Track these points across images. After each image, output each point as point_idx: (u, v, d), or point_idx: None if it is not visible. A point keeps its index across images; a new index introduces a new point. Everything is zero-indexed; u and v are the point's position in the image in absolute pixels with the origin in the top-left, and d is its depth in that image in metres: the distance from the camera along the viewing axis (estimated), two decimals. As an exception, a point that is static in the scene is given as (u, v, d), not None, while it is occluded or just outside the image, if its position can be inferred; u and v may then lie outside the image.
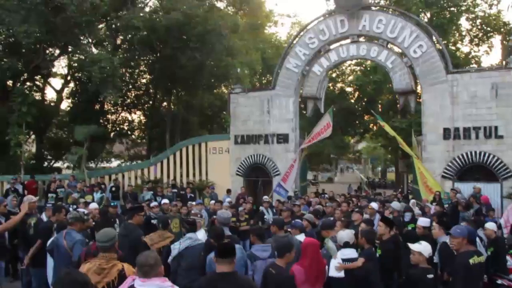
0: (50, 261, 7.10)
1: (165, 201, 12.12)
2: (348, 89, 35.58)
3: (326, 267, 6.20)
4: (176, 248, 6.56)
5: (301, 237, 7.52)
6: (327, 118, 18.90)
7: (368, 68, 30.65)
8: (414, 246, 5.93)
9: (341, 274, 6.16)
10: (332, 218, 9.19)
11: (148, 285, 3.74)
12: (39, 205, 10.94)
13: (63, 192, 17.55)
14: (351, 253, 6.34)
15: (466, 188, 16.09)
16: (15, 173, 21.01)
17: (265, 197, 15.47)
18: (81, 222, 6.65)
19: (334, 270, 6.19)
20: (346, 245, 6.38)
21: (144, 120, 34.15)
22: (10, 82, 24.32)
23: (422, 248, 5.83)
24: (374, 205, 11.59)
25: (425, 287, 5.70)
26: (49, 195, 17.59)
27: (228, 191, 18.29)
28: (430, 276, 5.74)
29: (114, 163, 39.51)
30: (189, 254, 6.52)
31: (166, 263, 6.66)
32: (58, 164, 32.64)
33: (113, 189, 19.00)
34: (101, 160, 35.87)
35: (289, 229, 7.66)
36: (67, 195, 16.82)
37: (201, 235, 7.52)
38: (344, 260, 6.23)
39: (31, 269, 8.06)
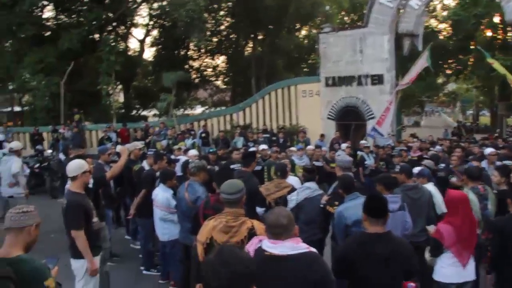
0: (156, 211, 6.73)
1: (264, 147, 11.52)
2: (441, 26, 33.03)
3: None
4: (293, 199, 5.87)
5: (430, 187, 6.67)
6: (425, 56, 17.45)
7: (467, 1, 28.03)
8: None
9: None
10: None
11: (279, 247, 3.04)
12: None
13: (153, 139, 17.39)
14: None
15: None
16: (106, 122, 21.46)
17: (364, 142, 14.58)
18: (204, 172, 6.05)
19: None
20: None
21: (227, 66, 33.65)
22: (96, 36, 24.58)
23: None
24: (490, 150, 10.36)
25: None
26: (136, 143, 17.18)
27: (322, 136, 17.46)
28: None
29: (198, 109, 39.74)
30: (309, 205, 5.84)
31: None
32: (144, 112, 33.30)
33: (203, 135, 18.69)
34: (184, 107, 36.11)
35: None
36: (154, 142, 16.64)
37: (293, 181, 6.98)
38: None
39: (137, 219, 7.77)
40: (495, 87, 33.62)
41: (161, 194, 6.59)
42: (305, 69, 34.10)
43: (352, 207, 5.02)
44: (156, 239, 7.26)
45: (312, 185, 5.96)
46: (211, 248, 3.69)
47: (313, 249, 3.19)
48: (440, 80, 41.40)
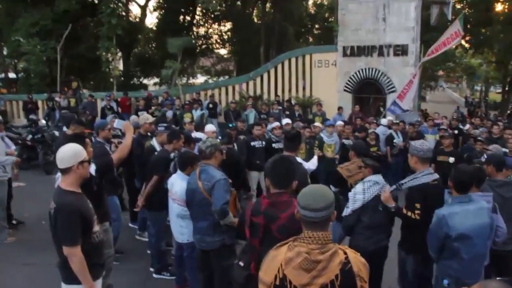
0: (173, 206, 5.26)
1: (287, 121, 10.11)
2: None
3: None
4: (359, 199, 4.47)
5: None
6: (456, 26, 15.98)
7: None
8: None
9: None
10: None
11: None
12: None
13: (159, 111, 15.90)
14: None
15: None
16: (105, 90, 20.14)
17: (391, 118, 13.33)
18: (220, 152, 4.69)
19: None
20: None
21: (233, 33, 31.96)
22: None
23: None
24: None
25: None
26: (139, 113, 14.71)
27: (340, 109, 16.11)
28: None
29: (200, 78, 38.28)
30: (375, 206, 4.50)
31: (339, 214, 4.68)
32: (145, 81, 31.99)
33: (210, 105, 17.25)
34: (187, 76, 34.63)
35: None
36: (163, 114, 15.16)
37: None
38: None
39: (147, 213, 6.32)
40: (510, 63, 32.09)
41: (179, 184, 5.11)
42: (311, 39, 32.63)
43: (462, 214, 3.72)
44: (169, 234, 5.93)
45: (380, 179, 4.57)
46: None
47: None
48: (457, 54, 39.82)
